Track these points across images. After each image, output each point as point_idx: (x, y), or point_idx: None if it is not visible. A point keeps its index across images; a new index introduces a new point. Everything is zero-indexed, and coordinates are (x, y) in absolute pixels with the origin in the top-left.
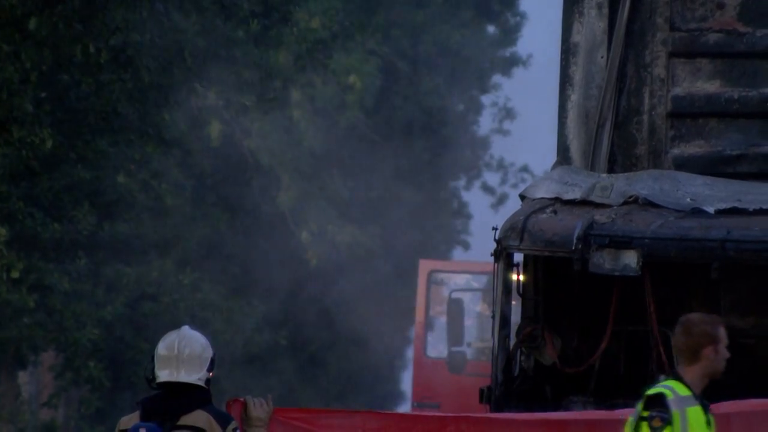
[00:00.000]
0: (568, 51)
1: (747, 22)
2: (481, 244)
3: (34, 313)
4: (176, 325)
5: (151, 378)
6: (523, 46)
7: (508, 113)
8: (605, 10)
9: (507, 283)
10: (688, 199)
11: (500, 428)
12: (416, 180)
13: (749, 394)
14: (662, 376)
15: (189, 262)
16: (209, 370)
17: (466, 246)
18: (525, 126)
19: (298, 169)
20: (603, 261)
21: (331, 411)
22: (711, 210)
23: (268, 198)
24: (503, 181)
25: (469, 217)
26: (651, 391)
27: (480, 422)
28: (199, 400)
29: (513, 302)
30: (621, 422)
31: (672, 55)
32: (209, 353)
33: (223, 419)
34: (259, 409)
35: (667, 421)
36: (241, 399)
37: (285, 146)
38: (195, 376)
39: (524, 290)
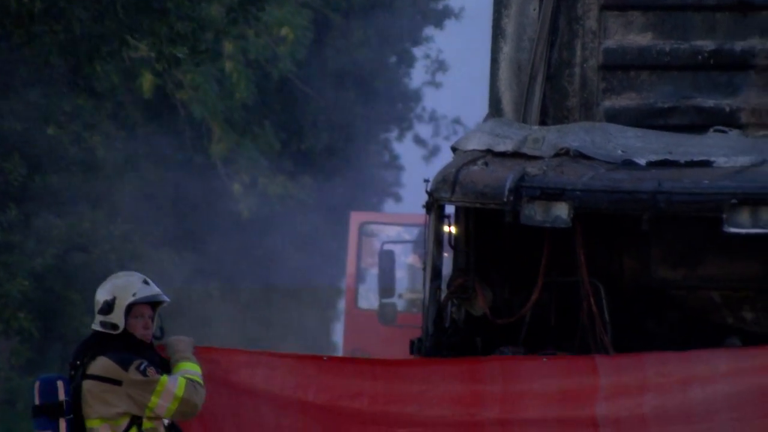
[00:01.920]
0: (500, 3)
1: None
2: (413, 196)
3: None
4: (107, 277)
5: None
6: None
7: (441, 66)
8: None
9: (438, 235)
10: (620, 151)
11: (418, 381)
12: (348, 132)
13: (679, 345)
14: None
15: (120, 213)
16: (100, 312)
17: (398, 198)
18: (457, 78)
19: (230, 121)
20: (534, 213)
21: (252, 352)
22: (642, 162)
23: (200, 149)
24: (435, 134)
25: (400, 169)
26: None
27: (396, 377)
28: (101, 347)
29: (444, 254)
30: (544, 365)
31: (604, 7)
32: (101, 296)
33: (124, 361)
34: (178, 340)
35: None
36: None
37: (217, 98)
38: (95, 321)
39: (456, 242)
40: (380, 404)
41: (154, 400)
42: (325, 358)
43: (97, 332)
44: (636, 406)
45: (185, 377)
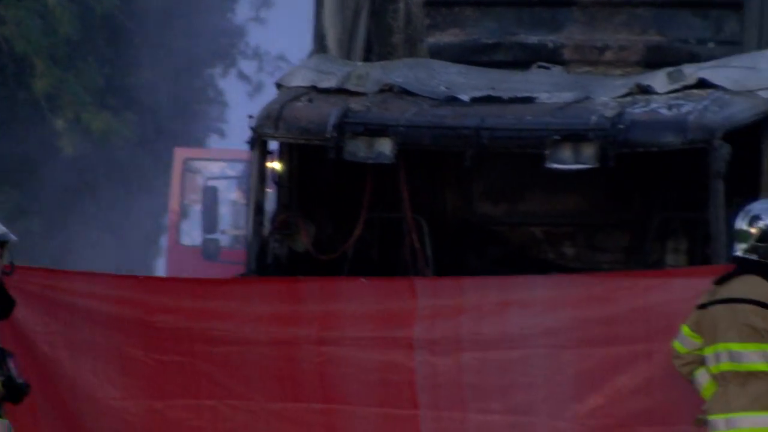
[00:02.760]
0: None
1: None
2: (238, 132)
3: None
4: None
5: None
6: None
7: (265, 2)
8: None
9: (262, 171)
10: (443, 88)
11: (237, 299)
12: (172, 67)
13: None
14: None
15: None
16: None
17: (222, 134)
18: (282, 14)
19: (54, 57)
20: (357, 149)
21: (68, 271)
22: (466, 98)
23: (22, 85)
24: (260, 70)
25: (225, 105)
26: None
27: (216, 295)
28: None
29: (268, 190)
30: (364, 286)
31: None
32: None
33: None
34: None
35: None
36: None
37: (40, 34)
38: None
39: (279, 178)
40: (198, 321)
41: None
42: (141, 277)
43: None
44: (452, 328)
45: None
